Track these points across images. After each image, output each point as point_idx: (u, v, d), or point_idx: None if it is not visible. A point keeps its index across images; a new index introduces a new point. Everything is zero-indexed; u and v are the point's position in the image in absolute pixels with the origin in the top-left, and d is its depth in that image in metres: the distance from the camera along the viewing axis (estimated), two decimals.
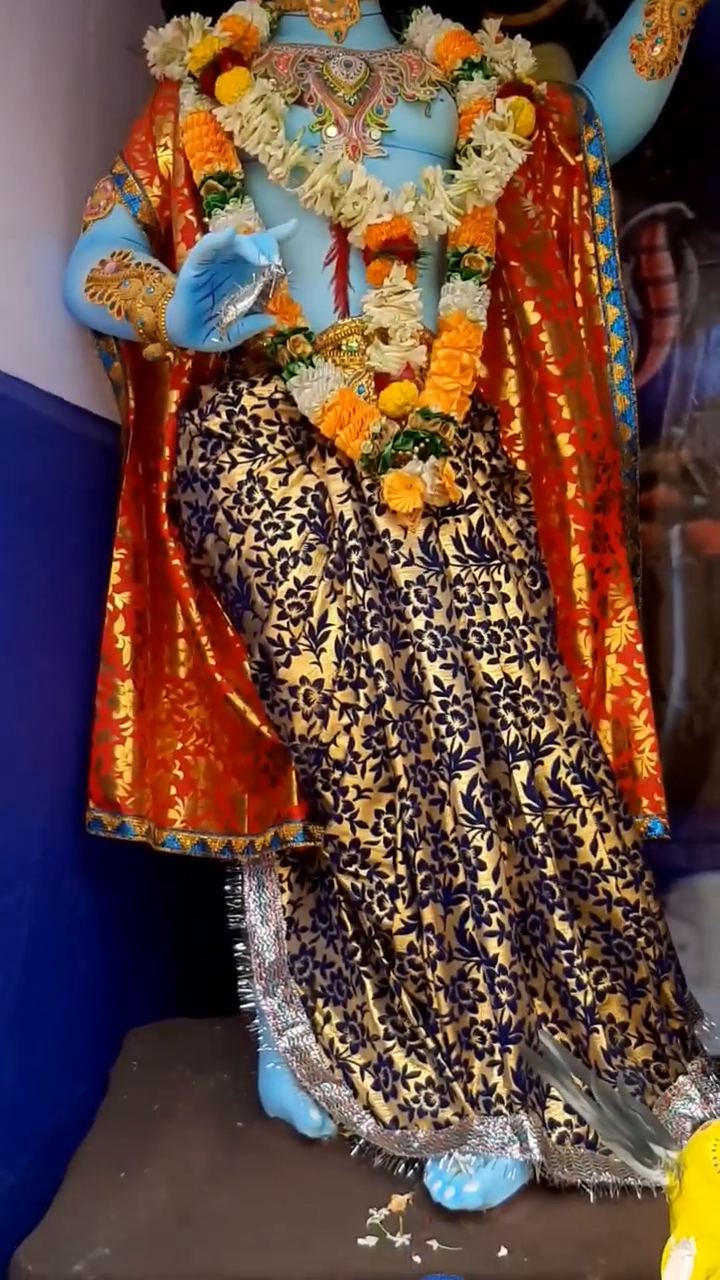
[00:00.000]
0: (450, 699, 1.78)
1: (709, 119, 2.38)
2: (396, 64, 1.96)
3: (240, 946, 1.96)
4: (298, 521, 1.82)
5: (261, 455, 1.86)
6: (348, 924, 1.86)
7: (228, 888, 2.01)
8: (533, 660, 1.85)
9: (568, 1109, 1.75)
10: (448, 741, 1.77)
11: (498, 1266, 1.58)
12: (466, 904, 1.77)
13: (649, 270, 2.54)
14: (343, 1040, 1.85)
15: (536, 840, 1.80)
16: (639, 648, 2.10)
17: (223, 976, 2.35)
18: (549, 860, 1.80)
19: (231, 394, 1.89)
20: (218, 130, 1.89)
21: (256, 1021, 1.92)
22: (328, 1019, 1.87)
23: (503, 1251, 1.61)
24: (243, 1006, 1.95)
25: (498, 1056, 1.74)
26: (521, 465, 2.05)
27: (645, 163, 2.34)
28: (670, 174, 2.49)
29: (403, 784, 1.78)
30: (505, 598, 1.86)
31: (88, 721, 1.98)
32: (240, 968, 1.95)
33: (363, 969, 1.84)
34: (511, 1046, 1.73)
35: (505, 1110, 1.71)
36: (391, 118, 1.91)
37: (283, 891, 1.94)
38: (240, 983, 1.94)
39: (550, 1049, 1.55)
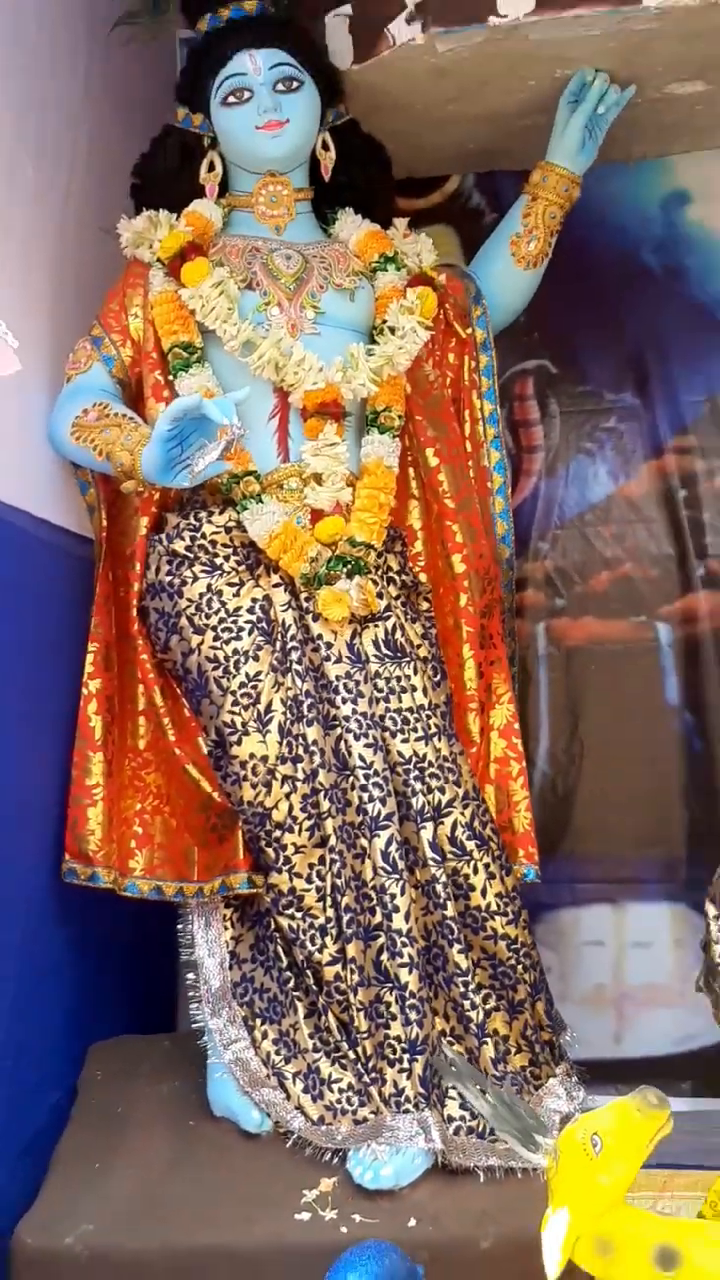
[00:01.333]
0: (371, 771, 1.93)
1: (568, 294, 2.52)
2: (326, 256, 2.15)
3: (190, 976, 2.04)
4: (248, 626, 1.98)
5: (218, 572, 2.01)
6: (282, 956, 1.96)
7: (180, 926, 2.11)
8: (435, 739, 2.01)
9: (462, 1106, 1.89)
10: (369, 807, 1.92)
11: (408, 1234, 1.70)
12: (382, 940, 1.90)
13: (520, 415, 2.70)
14: (278, 1053, 1.95)
15: (439, 887, 1.95)
16: (516, 725, 2.22)
17: (170, 1000, 2.50)
18: (449, 903, 1.95)
19: (194, 521, 2.04)
20: (182, 308, 2.05)
21: (204, 1038, 2.01)
22: (265, 1035, 1.97)
23: (412, 1222, 1.74)
24: (192, 1025, 2.06)
25: (407, 1065, 1.87)
26: (424, 579, 2.18)
27: (518, 328, 2.48)
28: (538, 337, 2.65)
29: (332, 841, 1.92)
30: (414, 688, 2.02)
31: (64, 787, 2.08)
32: (191, 993, 2.05)
33: (295, 994, 1.95)
34: (418, 1057, 1.86)
35: (413, 1108, 1.85)
36: (323, 301, 2.08)
37: (226, 929, 2.04)
38: (192, 1006, 2.04)
39: (453, 1059, 1.72)
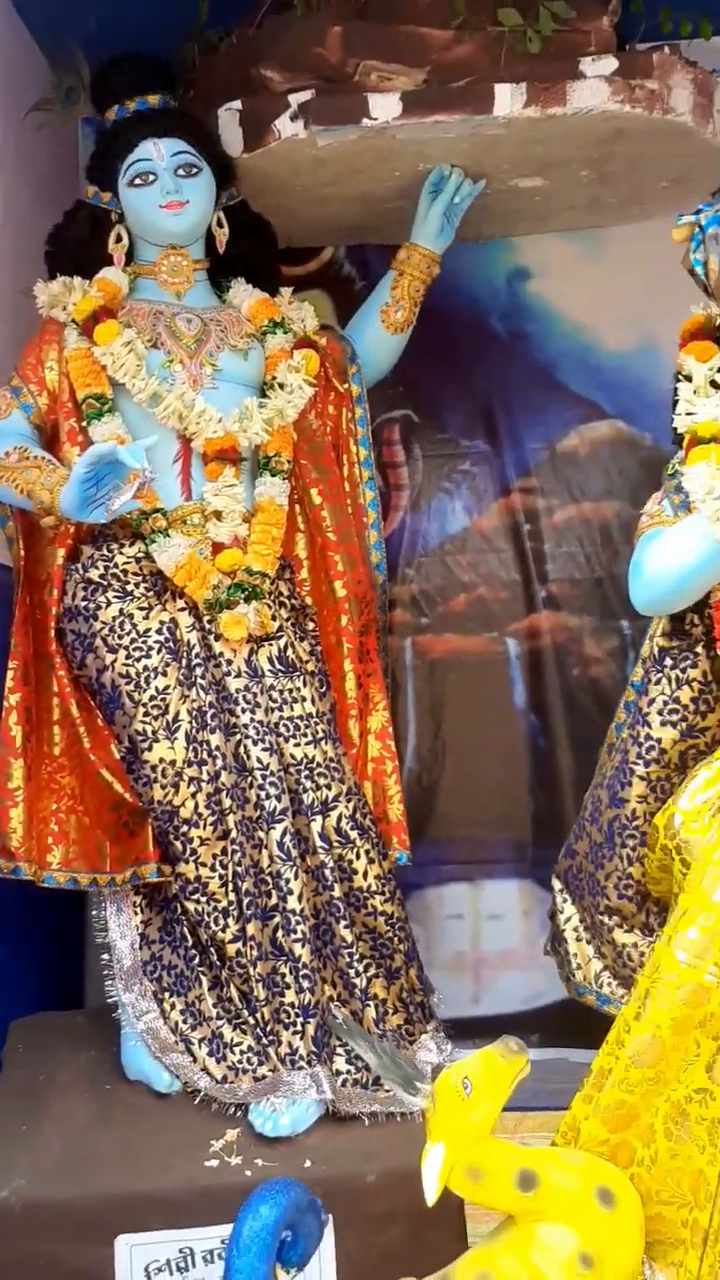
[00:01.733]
0: (267, 772, 1.99)
1: (429, 354, 2.61)
2: (222, 320, 2.20)
3: (104, 956, 2.06)
4: (157, 646, 2.02)
5: (129, 598, 2.05)
6: (188, 937, 2.01)
7: (94, 912, 2.14)
8: (322, 743, 2.08)
9: (349, 1061, 1.95)
10: (266, 803, 1.98)
11: (305, 1173, 1.76)
12: (278, 919, 1.96)
13: (388, 458, 2.79)
14: (185, 1022, 1.99)
15: (327, 872, 2.02)
16: (390, 729, 2.28)
17: (79, 980, 2.51)
18: (335, 885, 2.02)
19: (106, 552, 2.08)
20: (95, 363, 2.08)
21: (118, 1011, 2.05)
22: (173, 1007, 2.01)
23: (307, 1163, 1.81)
24: (107, 1000, 2.08)
25: (300, 1027, 1.93)
26: (310, 602, 2.23)
27: (387, 382, 2.52)
28: (403, 390, 2.73)
29: (233, 834, 1.97)
30: (303, 698, 2.08)
31: None
32: (105, 972, 2.06)
33: (199, 969, 2.00)
34: (310, 1020, 1.93)
35: (306, 1065, 1.91)
36: (220, 360, 2.14)
37: (137, 914, 2.06)
38: (107, 984, 2.06)
39: (341, 1019, 1.80)
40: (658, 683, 1.93)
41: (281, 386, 2.17)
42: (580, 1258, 1.60)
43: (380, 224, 2.58)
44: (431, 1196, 1.58)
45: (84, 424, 2.08)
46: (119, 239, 2.19)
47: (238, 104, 2.26)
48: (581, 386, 2.77)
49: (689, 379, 1.86)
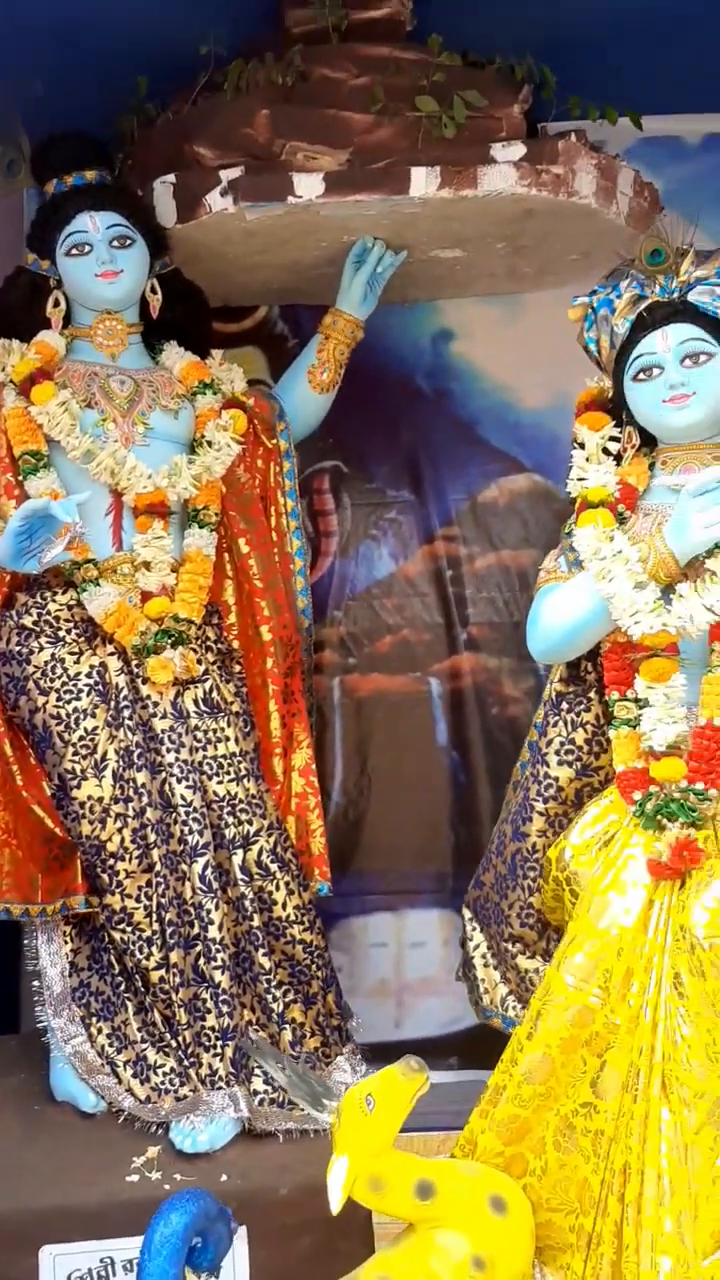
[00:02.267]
0: (191, 808, 2.11)
1: (357, 409, 2.73)
2: (154, 380, 2.33)
3: (35, 983, 2.17)
4: (86, 688, 2.14)
5: (61, 643, 2.17)
6: (115, 964, 2.12)
7: (25, 941, 2.23)
8: (245, 780, 2.19)
9: (266, 1082, 2.07)
10: (189, 838, 2.10)
11: (221, 1187, 1.88)
12: (200, 948, 2.07)
13: (318, 506, 2.91)
14: (110, 1045, 2.10)
15: (247, 903, 2.13)
16: (313, 766, 2.40)
17: (13, 1006, 2.61)
18: (255, 916, 2.14)
19: (40, 600, 2.19)
20: (32, 422, 2.20)
21: (47, 1036, 2.16)
22: (100, 1031, 2.11)
23: (224, 1177, 1.92)
24: (37, 1025, 2.20)
25: (220, 1050, 2.04)
26: (236, 646, 2.35)
27: (316, 434, 2.64)
28: (332, 442, 2.84)
29: (158, 867, 2.08)
30: (227, 738, 2.20)
31: None
32: (36, 997, 2.17)
33: (125, 995, 2.11)
34: (229, 1042, 2.04)
35: (224, 1085, 2.02)
36: (151, 419, 2.27)
37: (66, 943, 2.17)
38: (37, 1009, 2.18)
39: (257, 1042, 1.92)
40: (555, 725, 2.08)
41: (210, 444, 2.31)
42: (473, 1261, 1.72)
43: (310, 287, 2.72)
44: (336, 1206, 1.70)
45: (20, 479, 2.20)
46: (56, 304, 2.32)
47: (172, 178, 2.40)
48: (501, 441, 2.92)
49: (582, 446, 2.02)
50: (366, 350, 2.64)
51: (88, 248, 2.27)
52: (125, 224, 2.28)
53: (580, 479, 1.99)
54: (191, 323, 2.44)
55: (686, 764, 1.81)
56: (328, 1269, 1.83)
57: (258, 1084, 2.08)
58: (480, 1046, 2.65)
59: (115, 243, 2.27)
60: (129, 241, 2.28)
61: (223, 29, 2.48)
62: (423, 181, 2.30)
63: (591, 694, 2.05)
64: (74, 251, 2.27)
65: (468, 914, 2.27)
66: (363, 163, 2.34)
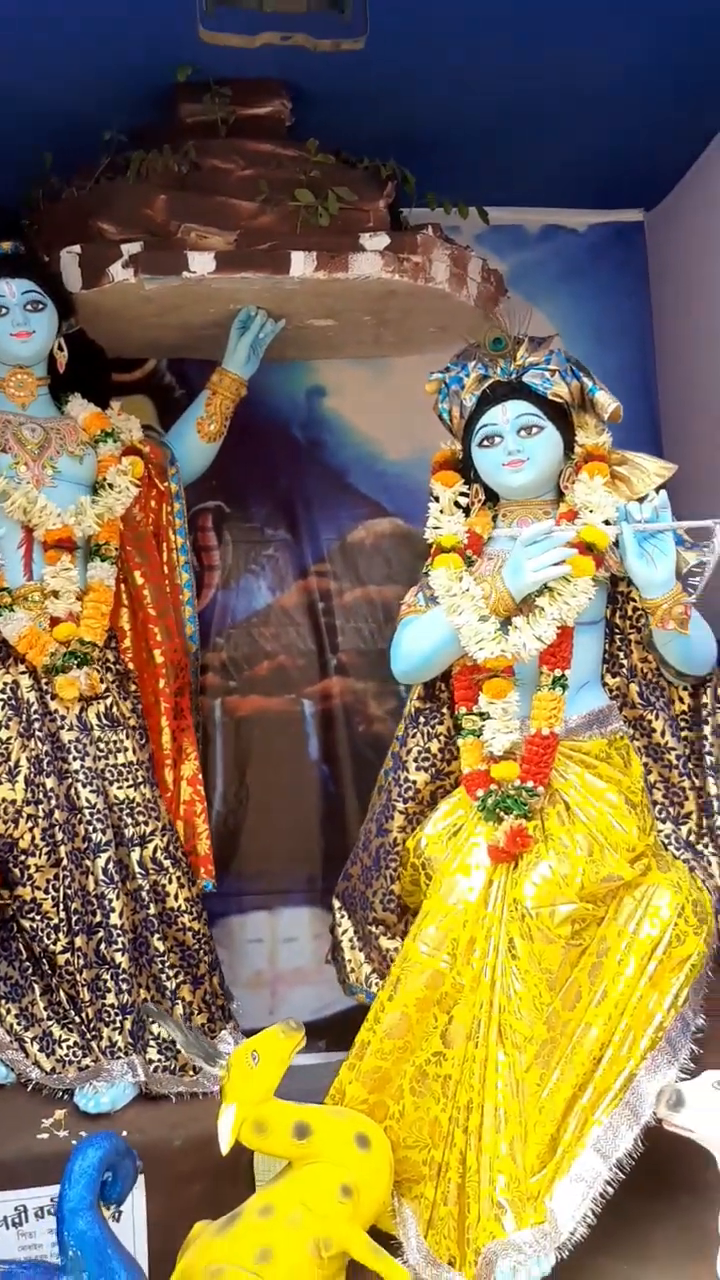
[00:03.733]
0: (94, 810, 2.37)
1: (240, 455, 3.02)
2: (61, 429, 2.60)
3: None
4: (1, 703, 2.41)
5: None
6: (23, 951, 2.36)
7: None
8: (141, 786, 2.46)
9: (160, 1052, 2.36)
10: (92, 836, 2.37)
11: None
12: (101, 934, 2.33)
13: (203, 542, 3.22)
14: (19, 1024, 2.34)
15: (143, 894, 2.41)
16: (199, 776, 2.68)
17: None
18: (151, 905, 2.40)
19: None
20: None
21: None
22: (9, 1011, 2.35)
23: (124, 1133, 2.10)
24: None
25: (119, 1024, 2.30)
26: (132, 667, 2.61)
27: (203, 477, 2.92)
28: (216, 484, 3.13)
29: (64, 862, 2.34)
30: (125, 749, 2.47)
31: None
32: None
33: (33, 978, 2.35)
34: (128, 1017, 2.31)
35: (123, 1054, 2.28)
36: (59, 463, 2.53)
37: None
38: None
39: (155, 1011, 2.20)
40: (414, 736, 2.43)
41: (111, 486, 2.59)
42: (342, 1189, 2.03)
43: (198, 344, 3.03)
44: (225, 1147, 1.99)
45: None
46: None
47: (77, 248, 2.67)
48: (368, 488, 3.29)
49: (437, 499, 2.38)
50: (249, 403, 2.95)
51: (4, 310, 2.53)
52: (37, 290, 2.56)
53: (435, 527, 2.36)
54: (93, 377, 2.72)
55: (520, 766, 2.18)
56: (216, 1211, 2.09)
57: (152, 1054, 2.35)
58: (347, 1030, 2.89)
59: (29, 306, 2.55)
60: (40, 306, 2.56)
61: (122, 114, 2.78)
62: (301, 264, 2.64)
63: (444, 710, 2.41)
64: None
65: (337, 903, 2.59)
66: (248, 244, 2.66)
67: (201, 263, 2.63)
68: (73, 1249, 1.82)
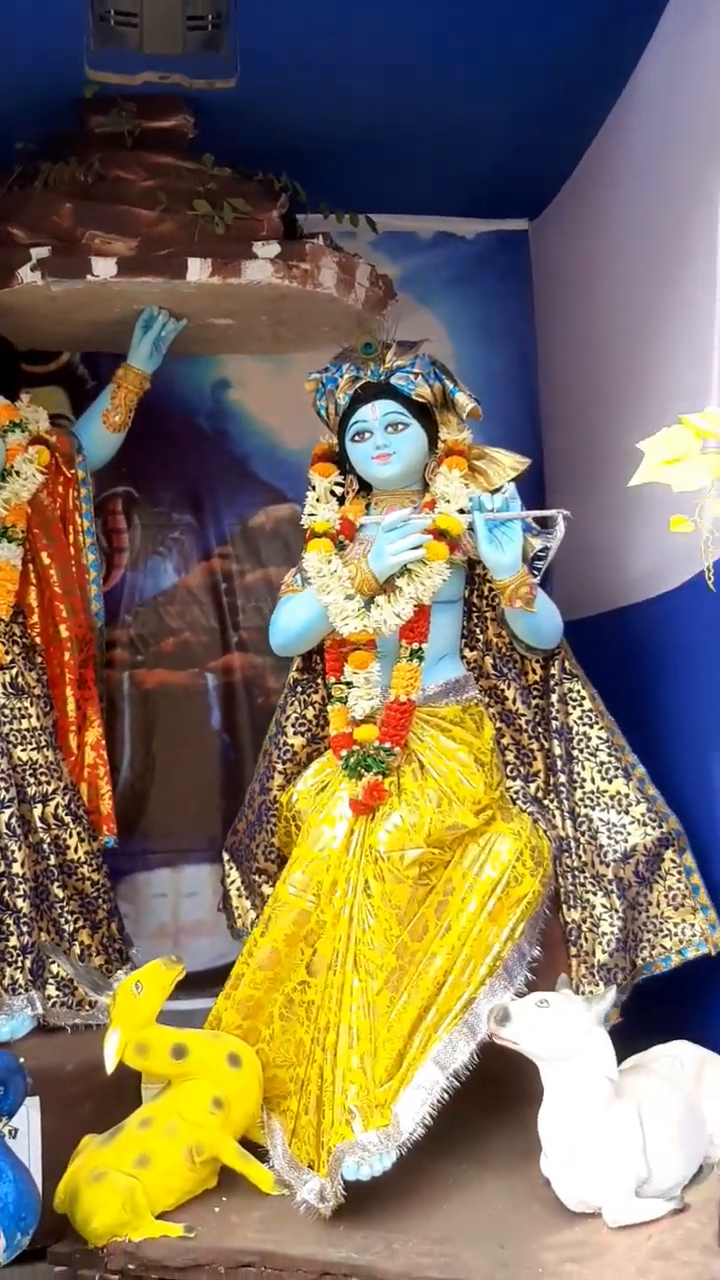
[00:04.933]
0: None
1: (148, 443, 3.24)
2: None
3: None
4: None
5: None
6: None
7: None
8: (45, 749, 2.70)
9: (57, 988, 2.62)
10: None
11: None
12: (5, 882, 2.57)
13: (112, 524, 3.45)
14: None
15: (45, 847, 2.65)
16: (103, 742, 2.91)
17: None
18: (52, 856, 2.65)
19: None
20: None
21: None
22: None
23: (22, 1059, 2.42)
24: None
25: (20, 963, 2.54)
26: (39, 641, 2.83)
27: (112, 463, 3.13)
28: (125, 470, 3.35)
29: None
30: (30, 715, 2.70)
31: None
32: None
33: None
34: (28, 957, 2.55)
35: (24, 990, 2.55)
36: None
37: None
38: None
39: (52, 949, 2.45)
40: (292, 704, 2.70)
41: (18, 474, 2.82)
42: (213, 1101, 2.31)
43: (107, 339, 3.23)
44: (110, 1066, 2.25)
45: None
46: None
47: None
48: (269, 476, 3.54)
49: (314, 488, 2.65)
50: (157, 394, 3.17)
51: None
52: None
53: (311, 514, 2.63)
54: (3, 371, 2.95)
55: (379, 729, 2.45)
56: (105, 1129, 2.36)
57: (51, 990, 2.60)
58: None
59: None
60: None
61: (33, 123, 3.00)
62: (197, 270, 2.87)
63: (319, 680, 2.68)
64: None
65: (226, 856, 2.85)
66: (148, 250, 2.89)
67: (104, 267, 2.85)
68: None
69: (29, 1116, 2.38)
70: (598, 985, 2.38)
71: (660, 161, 2.76)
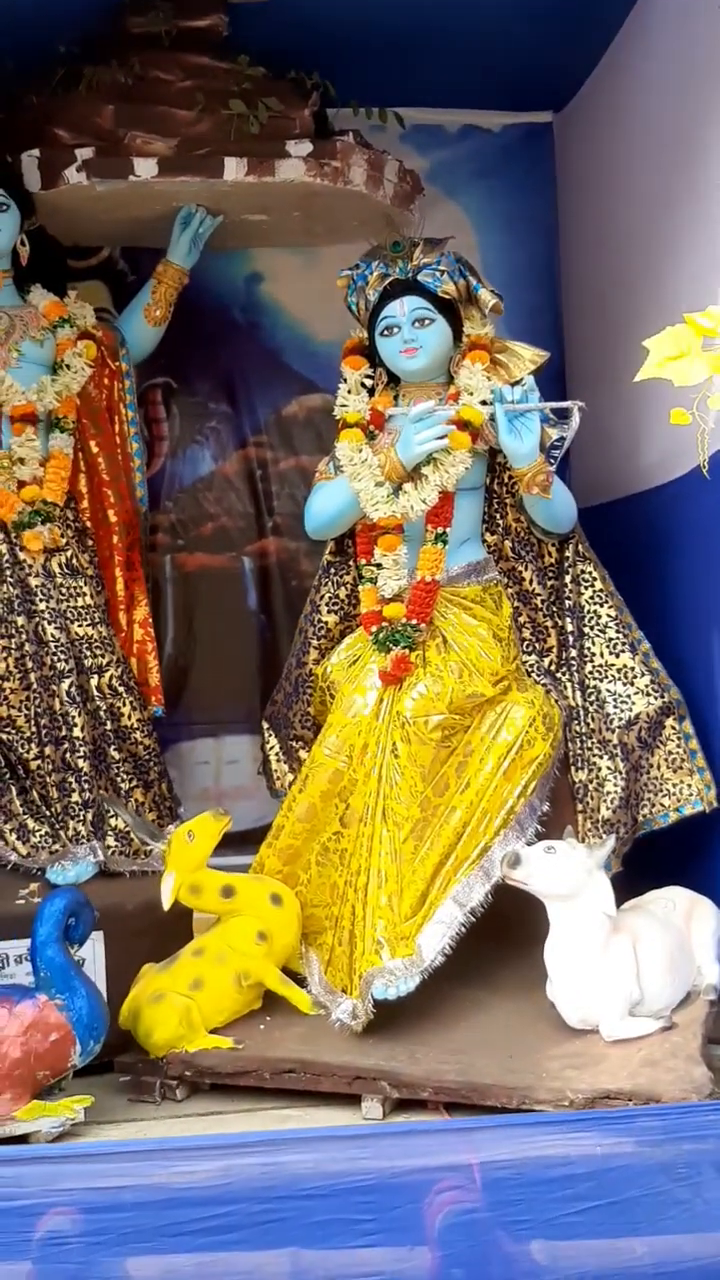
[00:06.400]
0: (59, 644, 2.85)
1: (185, 336, 3.42)
2: (24, 316, 3.01)
3: None
4: None
5: None
6: (2, 760, 2.86)
7: None
8: (98, 625, 2.94)
9: (115, 839, 2.92)
10: (57, 665, 2.86)
11: None
12: (67, 745, 2.84)
13: (153, 415, 3.67)
14: (0, 818, 2.93)
15: (101, 714, 2.91)
16: (150, 620, 3.16)
17: None
18: (108, 722, 2.92)
19: None
20: None
21: None
22: None
23: (89, 899, 2.78)
24: None
25: (83, 817, 2.82)
26: (89, 525, 3.07)
27: (152, 356, 3.32)
28: (164, 362, 3.51)
29: (34, 686, 2.83)
30: (84, 593, 2.94)
31: None
32: None
33: (10, 781, 2.84)
34: (89, 810, 2.83)
35: (85, 841, 2.85)
36: (23, 347, 2.94)
37: None
38: None
39: (111, 800, 2.75)
40: (326, 585, 2.95)
41: (68, 367, 3.03)
42: (258, 934, 2.62)
43: (147, 234, 3.39)
44: (166, 904, 2.57)
45: None
46: None
47: (36, 152, 3.04)
48: (301, 366, 3.73)
49: (345, 381, 2.85)
50: (194, 288, 3.35)
51: None
52: (2, 194, 2.96)
53: (343, 405, 2.84)
54: (52, 269, 3.13)
55: (406, 607, 2.70)
56: (162, 959, 2.68)
57: (110, 841, 2.90)
58: None
59: None
60: (5, 207, 2.96)
61: (75, 24, 3.13)
62: (233, 169, 3.03)
63: (350, 563, 2.92)
64: None
65: (265, 724, 3.13)
66: (187, 150, 3.04)
67: (145, 167, 3.02)
68: (43, 971, 2.40)
69: (95, 949, 2.70)
70: (601, 837, 2.66)
71: (680, 59, 2.88)
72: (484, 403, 2.70)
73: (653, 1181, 2.02)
